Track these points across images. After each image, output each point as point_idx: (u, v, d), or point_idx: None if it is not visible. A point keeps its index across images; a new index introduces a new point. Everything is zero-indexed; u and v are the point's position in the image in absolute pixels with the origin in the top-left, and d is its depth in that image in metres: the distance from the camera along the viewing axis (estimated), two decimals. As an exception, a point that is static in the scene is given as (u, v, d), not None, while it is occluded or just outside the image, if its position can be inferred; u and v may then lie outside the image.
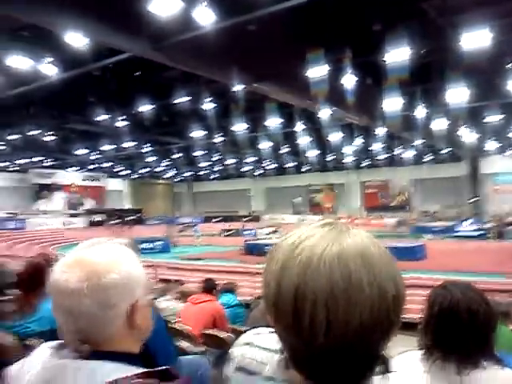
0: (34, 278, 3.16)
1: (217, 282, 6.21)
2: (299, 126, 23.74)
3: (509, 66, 14.78)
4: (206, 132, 24.73)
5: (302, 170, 42.79)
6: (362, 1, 10.74)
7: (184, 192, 55.63)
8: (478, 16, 10.39)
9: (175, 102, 18.77)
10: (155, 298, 6.33)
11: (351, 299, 0.61)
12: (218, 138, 26.81)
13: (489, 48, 11.86)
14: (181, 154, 34.19)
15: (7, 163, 36.02)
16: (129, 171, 44.90)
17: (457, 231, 28.11)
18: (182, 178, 51.96)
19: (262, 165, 41.57)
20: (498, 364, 1.50)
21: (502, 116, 21.12)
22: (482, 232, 27.02)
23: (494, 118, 21.44)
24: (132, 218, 39.84)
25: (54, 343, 1.00)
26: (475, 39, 11.34)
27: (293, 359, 0.68)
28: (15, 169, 38.16)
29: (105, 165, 39.37)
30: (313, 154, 32.88)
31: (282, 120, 21.97)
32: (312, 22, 12.01)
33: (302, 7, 10.25)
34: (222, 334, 4.77)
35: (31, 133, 22.95)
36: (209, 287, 5.70)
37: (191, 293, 6.53)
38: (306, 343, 0.63)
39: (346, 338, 0.61)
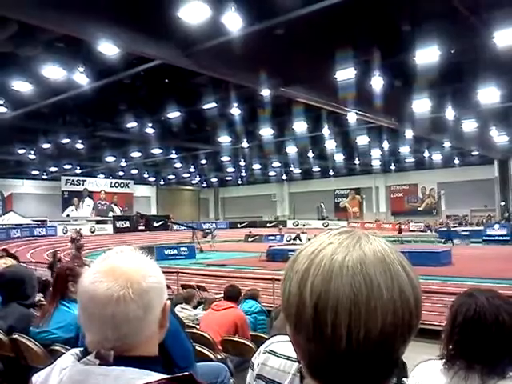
0: (59, 284, 3.23)
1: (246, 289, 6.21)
2: (326, 130, 23.67)
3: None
4: (232, 137, 24.90)
5: (329, 174, 42.59)
6: (390, 1, 10.69)
7: (210, 198, 55.98)
8: (509, 13, 10.24)
9: (203, 107, 18.98)
10: (177, 304, 6.38)
11: (373, 305, 0.61)
12: (245, 144, 26.94)
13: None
14: (208, 160, 34.51)
15: (39, 172, 36.89)
16: (156, 178, 45.44)
17: (486, 235, 27.55)
18: (209, 184, 52.33)
19: (288, 169, 41.54)
20: None
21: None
22: (511, 236, 26.42)
23: (525, 119, 21.04)
24: (160, 223, 40.19)
25: (79, 350, 1.03)
26: (508, 37, 11.17)
27: (311, 368, 0.67)
28: (47, 177, 39.06)
29: (133, 171, 39.98)
30: (339, 157, 32.72)
31: (309, 124, 21.95)
32: (340, 24, 11.99)
33: (330, 9, 10.25)
34: (244, 342, 4.74)
35: (63, 141, 23.50)
36: (231, 294, 5.63)
37: (214, 299, 6.54)
38: (327, 351, 0.62)
39: (368, 344, 0.61)
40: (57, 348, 2.95)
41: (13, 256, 6.60)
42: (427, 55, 12.73)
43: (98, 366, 0.94)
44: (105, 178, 43.07)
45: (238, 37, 11.10)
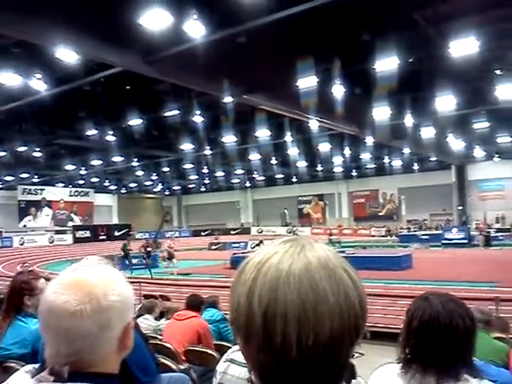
0: (13, 298, 3.07)
1: (204, 297, 6.15)
2: (288, 137, 23.86)
3: (495, 72, 15.04)
4: (195, 145, 24.77)
5: (292, 180, 42.93)
6: (352, 11, 10.88)
7: (173, 206, 55.46)
8: (465, 24, 10.60)
9: (165, 115, 18.80)
10: (140, 315, 6.27)
11: (321, 310, 0.62)
12: (208, 151, 26.85)
13: (476, 55, 12.11)
14: (170, 168, 34.20)
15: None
16: (118, 186, 44.67)
17: (444, 239, 28.32)
18: (172, 192, 51.84)
19: (252, 176, 41.64)
20: (477, 376, 1.49)
21: (489, 123, 21.47)
22: (469, 240, 27.24)
23: (481, 125, 21.79)
24: (120, 233, 39.47)
25: (33, 366, 1.00)
26: (463, 47, 11.56)
27: (262, 378, 0.67)
28: (2, 186, 37.76)
29: (94, 180, 39.18)
30: (302, 164, 33.03)
31: (272, 131, 22.07)
32: (302, 33, 12.14)
33: (292, 18, 10.37)
34: (207, 351, 4.71)
35: (20, 149, 22.79)
36: (193, 303, 5.59)
37: (176, 309, 6.46)
38: (278, 360, 0.63)
39: (317, 350, 0.62)
40: (11, 365, 2.81)
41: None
42: (387, 64, 13.01)
43: (51, 383, 0.91)
44: (64, 186, 42.00)
45: (200, 44, 11.07)
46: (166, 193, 52.49)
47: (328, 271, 0.65)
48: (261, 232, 42.56)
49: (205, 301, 6.15)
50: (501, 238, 27.89)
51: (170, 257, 21.77)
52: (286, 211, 45.45)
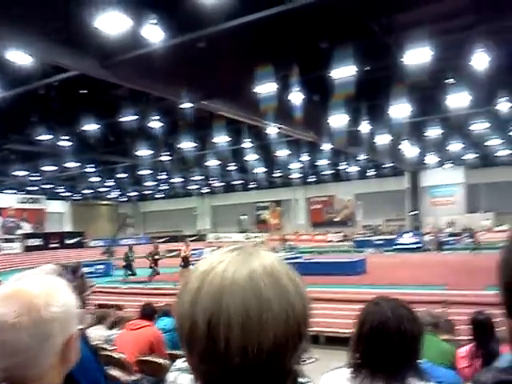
0: None
1: (158, 305, 6.05)
2: (247, 143, 23.92)
3: (447, 81, 15.58)
4: (152, 150, 24.44)
5: (250, 187, 42.99)
6: (311, 19, 11.02)
7: (129, 212, 54.47)
8: (419, 34, 10.94)
9: (121, 120, 18.45)
10: (90, 326, 6.09)
11: (265, 318, 0.62)
12: (166, 157, 26.55)
13: (429, 65, 12.52)
14: (127, 174, 33.58)
15: None
16: (71, 192, 43.46)
17: (398, 244, 29.00)
18: (128, 198, 50.90)
19: (209, 182, 41.45)
20: (423, 378, 1.53)
21: (441, 130, 22.23)
22: (421, 244, 28.02)
23: (433, 133, 22.55)
24: (73, 241, 38.40)
25: None
26: (417, 56, 11.96)
27: None
28: None
29: (45, 186, 37.96)
30: (260, 170, 33.15)
31: (230, 137, 22.06)
32: (260, 40, 12.21)
33: (251, 25, 10.41)
34: (159, 361, 4.65)
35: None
36: (147, 312, 5.53)
37: (129, 318, 6.35)
38: (221, 368, 0.63)
39: (261, 357, 0.62)
40: None
41: None
42: (344, 72, 13.27)
43: None
44: (13, 193, 40.46)
45: (159, 49, 10.94)
46: (122, 199, 51.49)
47: (273, 279, 0.65)
48: (218, 239, 42.34)
49: (158, 310, 6.07)
50: (452, 242, 28.81)
51: (186, 264, 17.23)
52: (243, 217, 45.42)
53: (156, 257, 19.04)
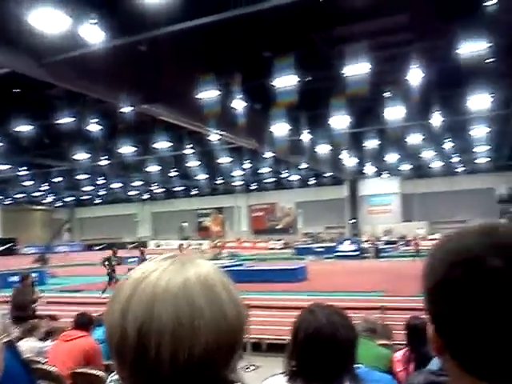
0: None
1: (97, 315, 5.83)
2: (189, 149, 23.71)
3: (385, 94, 16.13)
4: (90, 154, 23.70)
5: (191, 193, 42.61)
6: (253, 28, 11.07)
7: (66, 218, 52.51)
8: (358, 48, 11.27)
9: (58, 122, 17.76)
10: (21, 338, 5.80)
11: (196, 326, 0.62)
12: (104, 161, 25.82)
13: (368, 78, 12.91)
14: (63, 178, 32.40)
15: None
16: (2, 196, 41.36)
17: (338, 251, 29.61)
18: (64, 204, 49.07)
19: (150, 188, 40.73)
20: (359, 383, 1.54)
21: (379, 142, 22.98)
22: (360, 252, 28.76)
23: (371, 144, 23.29)
24: (3, 247, 36.54)
25: None
26: (356, 69, 12.32)
27: None
28: None
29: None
30: (202, 177, 32.94)
31: (172, 143, 21.78)
32: (203, 46, 12.13)
33: (195, 30, 10.32)
34: (96, 372, 4.46)
35: None
36: (82, 322, 5.28)
37: (64, 329, 6.10)
38: (151, 376, 0.62)
39: (192, 365, 0.62)
40: None
41: None
42: (285, 81, 13.43)
43: None
44: None
45: (98, 50, 10.62)
46: (58, 204, 49.57)
47: (206, 288, 0.65)
48: (159, 246, 41.63)
49: (95, 319, 5.83)
50: (389, 249, 29.75)
51: None
52: (184, 224, 44.95)
53: (113, 262, 17.38)
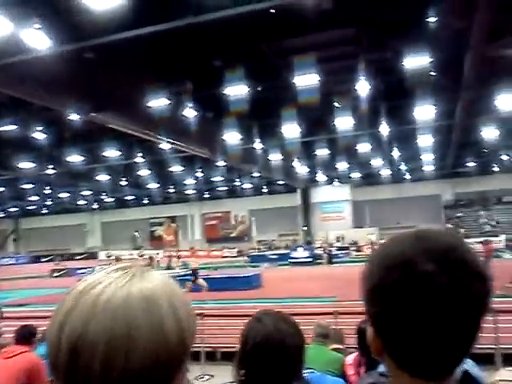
0: None
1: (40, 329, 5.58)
2: (140, 158, 23.34)
3: (334, 104, 16.45)
4: (36, 163, 22.90)
5: (143, 202, 41.93)
6: (204, 37, 11.05)
7: (10, 229, 50.45)
8: (308, 59, 11.46)
9: (0, 129, 17.06)
10: None
11: (133, 344, 0.60)
12: (51, 170, 25.00)
13: (317, 88, 13.13)
14: (6, 187, 31.19)
15: None
16: None
17: (291, 258, 29.84)
18: (7, 214, 47.12)
19: (100, 198, 39.78)
20: None
21: (330, 150, 23.38)
22: (313, 258, 29.10)
23: (322, 152, 23.66)
24: None
25: None
26: (306, 79, 12.52)
27: None
28: None
29: None
30: (154, 186, 32.48)
31: (122, 151, 21.39)
32: (154, 54, 12.00)
33: (142, 39, 10.20)
34: None
35: None
36: (23, 336, 4.95)
37: (5, 345, 5.81)
38: None
39: (126, 379, 0.59)
40: None
41: None
42: (236, 90, 13.48)
43: None
44: None
45: (44, 56, 10.32)
46: (1, 215, 47.56)
47: (148, 302, 0.62)
48: (110, 256, 40.64)
49: (38, 333, 5.56)
50: (341, 255, 30.25)
51: (196, 276, 15.86)
52: (137, 234, 44.15)
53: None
